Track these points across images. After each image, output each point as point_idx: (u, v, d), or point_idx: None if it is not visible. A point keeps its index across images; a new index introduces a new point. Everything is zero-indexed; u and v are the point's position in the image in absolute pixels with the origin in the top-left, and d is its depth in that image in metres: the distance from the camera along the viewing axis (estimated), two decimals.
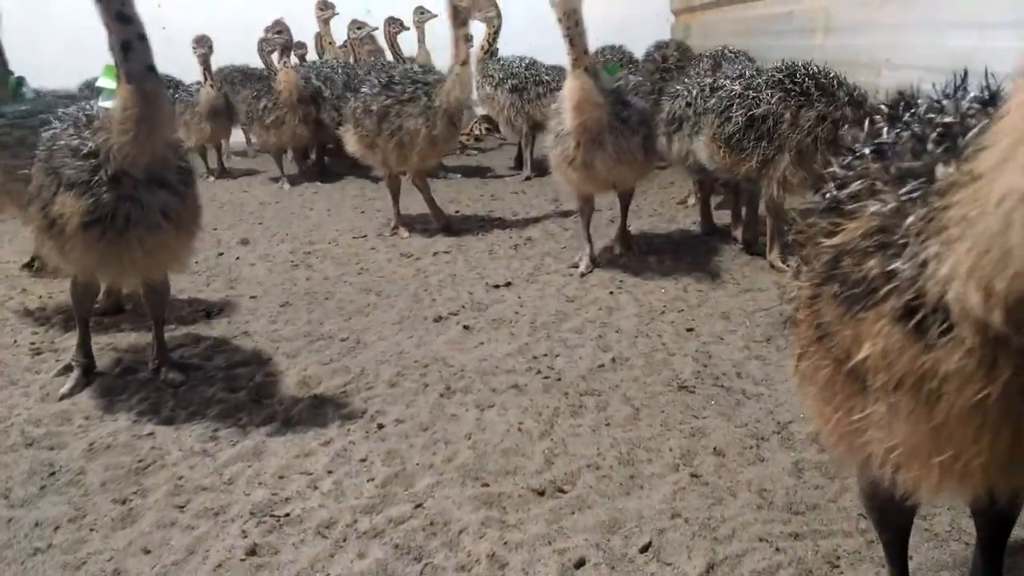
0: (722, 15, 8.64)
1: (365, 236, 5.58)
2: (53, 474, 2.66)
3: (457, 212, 6.14)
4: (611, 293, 4.20)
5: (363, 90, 5.45)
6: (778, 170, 4.14)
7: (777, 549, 2.19)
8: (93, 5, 2.67)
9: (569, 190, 4.67)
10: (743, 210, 5.02)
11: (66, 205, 2.82)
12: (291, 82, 7.04)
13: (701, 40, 8.84)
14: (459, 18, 5.20)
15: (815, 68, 4.22)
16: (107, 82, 2.86)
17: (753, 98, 4.20)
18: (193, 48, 6.99)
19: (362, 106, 5.37)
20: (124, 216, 2.83)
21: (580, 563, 2.17)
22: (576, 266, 4.62)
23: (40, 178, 2.93)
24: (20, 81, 4.61)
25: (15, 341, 3.78)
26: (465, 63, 5.23)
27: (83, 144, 2.85)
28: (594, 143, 4.15)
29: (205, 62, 7.17)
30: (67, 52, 7.65)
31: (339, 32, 8.83)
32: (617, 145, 4.17)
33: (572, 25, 3.99)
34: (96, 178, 2.80)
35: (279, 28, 6.99)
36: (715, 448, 2.69)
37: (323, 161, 7.97)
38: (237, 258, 5.12)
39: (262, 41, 7.51)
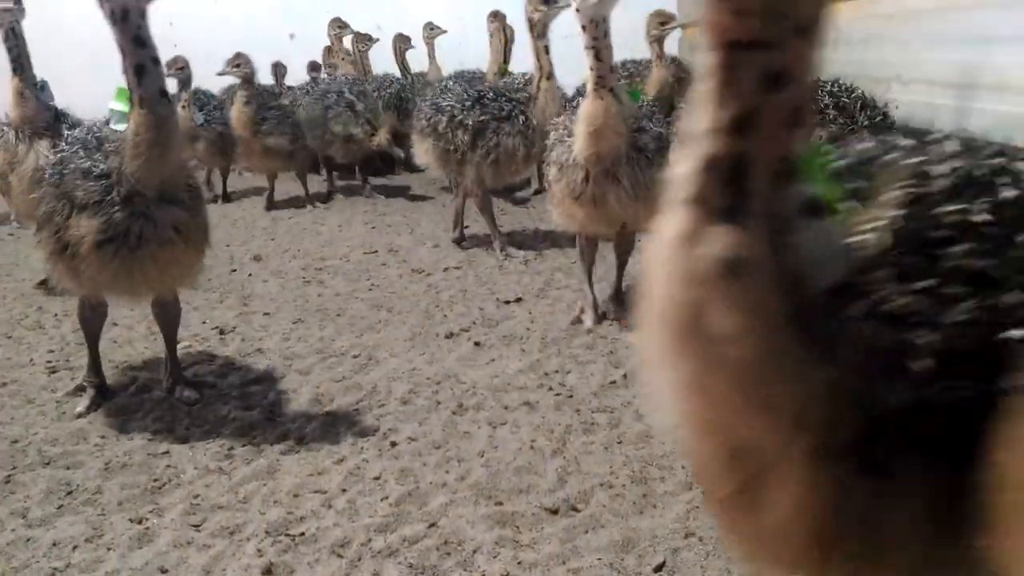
0: None
1: (376, 252, 5.60)
2: (70, 493, 2.68)
3: (466, 227, 6.15)
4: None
5: (447, 103, 5.24)
6: None
7: None
8: (110, 28, 2.72)
9: (572, 230, 4.04)
10: None
11: (80, 226, 2.86)
12: (240, 118, 6.87)
13: None
14: (535, 30, 4.96)
15: (840, 85, 4.12)
16: (119, 105, 2.91)
17: None
18: (167, 69, 6.74)
19: (447, 119, 5.17)
20: (137, 234, 2.88)
21: None
22: (580, 321, 4.03)
23: (52, 203, 2.96)
24: (44, 85, 4.70)
25: (31, 360, 3.81)
26: (550, 76, 5.00)
27: (94, 166, 2.90)
28: (607, 176, 3.58)
29: (181, 84, 6.91)
30: (80, 65, 7.76)
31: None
32: (633, 178, 3.58)
33: (600, 36, 3.45)
34: (108, 198, 2.85)
35: (237, 61, 6.79)
36: None
37: (332, 182, 7.84)
38: (250, 275, 5.16)
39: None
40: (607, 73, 3.47)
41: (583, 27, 3.49)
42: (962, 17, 4.60)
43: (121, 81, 2.85)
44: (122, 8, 2.64)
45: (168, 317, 3.37)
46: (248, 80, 6.87)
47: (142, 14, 2.68)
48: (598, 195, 3.61)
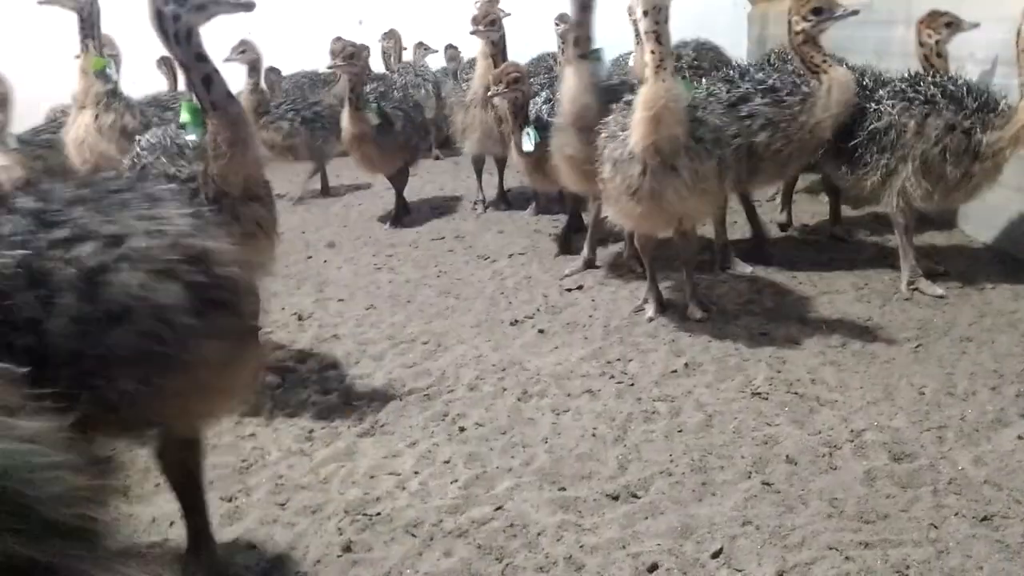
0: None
1: (443, 238, 5.76)
2: None
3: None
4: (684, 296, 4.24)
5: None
6: (899, 181, 4.05)
7: (847, 558, 2.26)
8: (170, 48, 2.95)
9: (628, 227, 4.04)
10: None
11: None
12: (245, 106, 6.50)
13: (780, 30, 8.69)
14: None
15: (942, 74, 4.19)
16: (188, 117, 3.19)
17: (874, 111, 4.15)
18: (231, 52, 6.51)
19: None
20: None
21: (653, 567, 2.28)
22: (642, 309, 4.10)
23: None
24: (108, 63, 5.12)
25: None
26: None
27: (179, 171, 3.13)
28: (665, 169, 3.47)
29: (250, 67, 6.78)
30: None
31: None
32: (692, 170, 3.49)
33: (662, 21, 3.38)
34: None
35: (243, 48, 6.58)
36: (787, 456, 2.76)
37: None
38: (325, 261, 5.38)
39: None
40: (667, 56, 3.39)
41: (645, 12, 3.40)
42: None
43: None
44: (187, 30, 2.88)
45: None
46: (254, 67, 6.72)
47: (198, 32, 2.91)
48: (656, 189, 3.50)
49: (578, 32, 4.09)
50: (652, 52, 3.39)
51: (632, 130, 3.50)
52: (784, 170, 4.71)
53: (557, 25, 7.59)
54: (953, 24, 4.54)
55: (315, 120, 7.06)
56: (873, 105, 4.17)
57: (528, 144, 4.63)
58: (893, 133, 4.03)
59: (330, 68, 6.23)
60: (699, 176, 3.53)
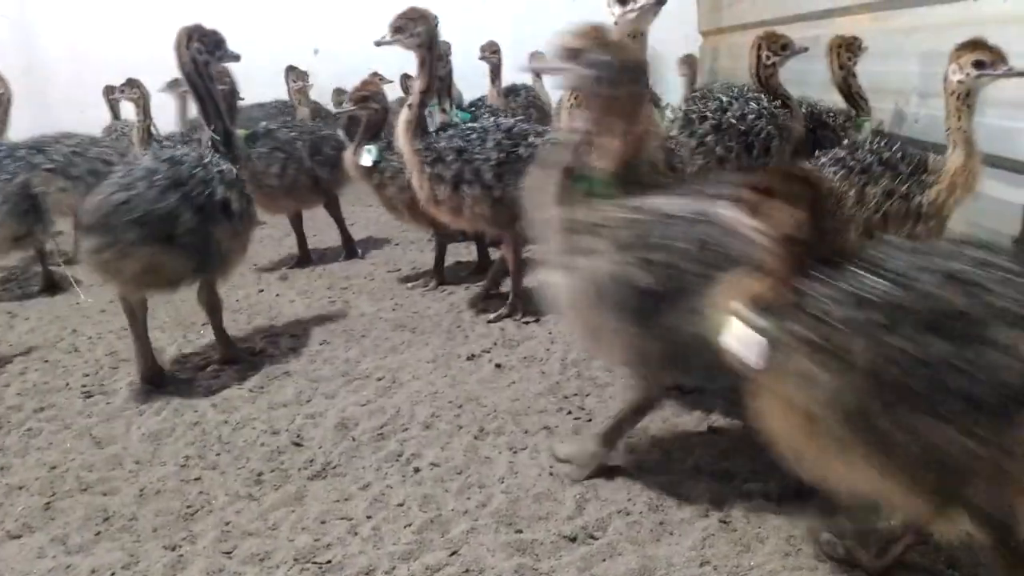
0: (750, 37, 8.64)
1: (399, 270, 5.70)
2: (107, 519, 2.79)
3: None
4: None
5: None
6: None
7: None
8: (209, 88, 3.83)
9: None
10: None
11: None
12: None
13: (731, 63, 8.87)
14: None
15: (878, 144, 4.15)
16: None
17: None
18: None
19: None
20: None
21: None
22: None
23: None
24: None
25: (67, 384, 3.94)
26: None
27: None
28: None
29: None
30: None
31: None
32: None
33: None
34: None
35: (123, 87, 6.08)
36: (744, 492, 2.74)
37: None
38: (277, 295, 5.28)
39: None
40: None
41: None
42: (982, 32, 4.59)
43: None
44: (211, 73, 3.80)
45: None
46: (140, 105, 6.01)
47: None
48: None
49: (419, 85, 4.39)
50: None
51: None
52: None
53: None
54: (859, 49, 5.16)
55: None
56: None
57: (367, 159, 4.99)
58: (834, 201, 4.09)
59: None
60: None
